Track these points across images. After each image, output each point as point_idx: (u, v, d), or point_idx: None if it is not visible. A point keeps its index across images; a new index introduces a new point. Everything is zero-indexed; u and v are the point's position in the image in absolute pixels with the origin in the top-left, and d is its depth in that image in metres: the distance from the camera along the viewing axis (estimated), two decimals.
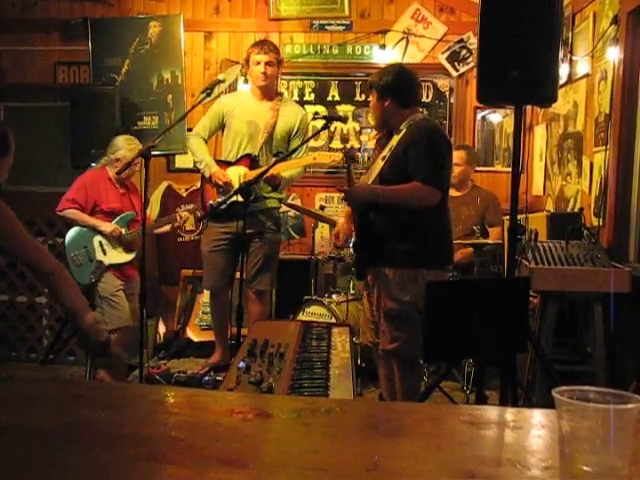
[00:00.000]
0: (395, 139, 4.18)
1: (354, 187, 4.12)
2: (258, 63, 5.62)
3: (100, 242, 5.59)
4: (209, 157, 5.78)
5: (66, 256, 5.54)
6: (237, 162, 5.72)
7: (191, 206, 6.06)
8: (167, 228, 5.91)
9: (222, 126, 5.86)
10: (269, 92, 5.78)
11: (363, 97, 7.15)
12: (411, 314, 4.12)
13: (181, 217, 5.89)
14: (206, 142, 5.88)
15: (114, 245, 5.60)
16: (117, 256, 5.61)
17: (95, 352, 3.00)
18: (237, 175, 5.63)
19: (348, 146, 7.16)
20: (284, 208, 6.44)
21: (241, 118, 5.75)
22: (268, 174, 5.19)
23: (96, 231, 5.58)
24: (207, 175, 5.71)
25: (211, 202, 5.71)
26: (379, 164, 4.20)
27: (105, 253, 5.58)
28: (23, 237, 2.89)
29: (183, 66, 7.16)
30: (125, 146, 5.65)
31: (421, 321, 4.08)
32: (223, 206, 5.15)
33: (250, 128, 5.72)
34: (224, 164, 5.75)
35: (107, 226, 5.56)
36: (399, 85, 4.25)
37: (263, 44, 5.68)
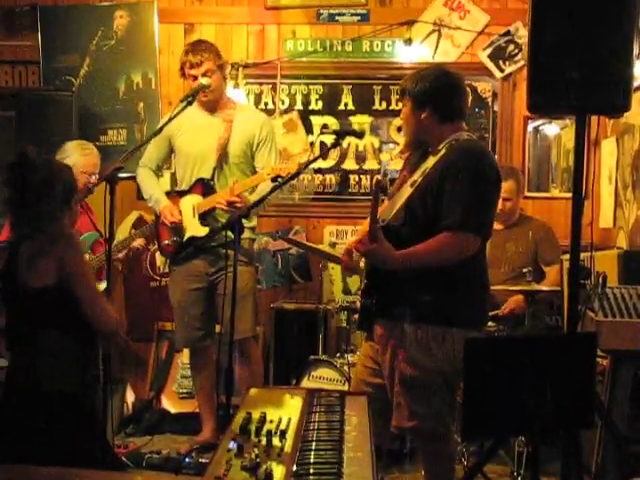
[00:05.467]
0: (431, 161, 4.08)
1: (374, 249, 4.00)
2: (195, 78, 5.71)
3: None
4: (158, 191, 5.93)
5: None
6: (190, 190, 5.85)
7: (143, 228, 6.09)
8: (120, 255, 5.95)
9: (171, 151, 5.99)
10: (217, 103, 5.88)
11: (384, 105, 7.21)
12: (435, 383, 4.04)
13: (135, 245, 6.00)
14: (157, 174, 6.04)
15: None
16: None
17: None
18: (191, 206, 5.78)
19: (365, 167, 7.21)
20: (284, 245, 6.47)
21: (190, 138, 5.87)
22: (222, 201, 5.49)
23: None
24: (158, 212, 5.86)
25: (167, 242, 5.84)
26: (407, 190, 4.12)
27: None
28: (92, 288, 3.73)
29: (158, 67, 7.23)
30: (77, 151, 5.77)
31: (449, 390, 4.07)
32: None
33: (201, 148, 5.83)
34: (177, 195, 5.89)
35: None
36: (441, 93, 4.14)
37: (194, 52, 5.73)
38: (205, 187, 5.77)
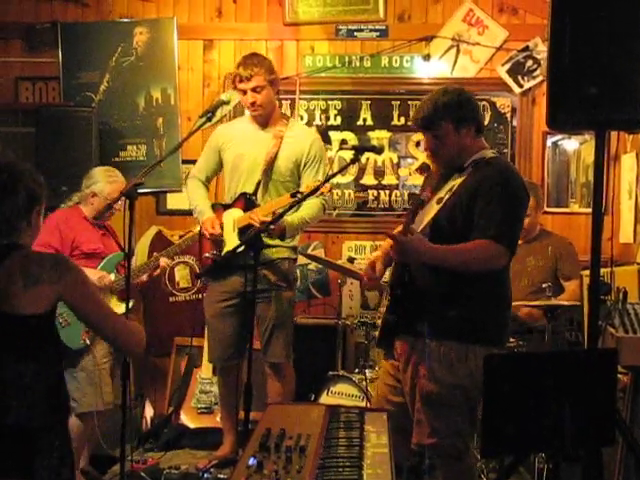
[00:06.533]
0: (458, 179, 4.11)
1: (410, 238, 4.00)
2: (244, 92, 5.70)
3: None
4: (203, 202, 5.90)
5: None
6: (233, 204, 5.81)
7: (174, 245, 6.06)
8: (145, 277, 5.95)
9: (221, 163, 5.95)
10: (268, 118, 5.84)
11: (402, 120, 7.19)
12: (456, 401, 4.04)
13: (160, 265, 5.94)
14: (206, 185, 6.01)
15: (105, 295, 5.59)
16: None
17: None
18: (231, 220, 5.72)
19: (384, 182, 7.20)
20: (303, 260, 6.43)
21: (238, 151, 5.84)
22: (255, 218, 5.38)
23: None
24: (200, 224, 5.83)
25: (207, 255, 5.78)
26: (433, 207, 4.11)
27: None
28: (102, 306, 3.43)
29: (177, 83, 7.25)
30: (104, 178, 5.72)
31: (470, 408, 4.06)
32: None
33: (248, 162, 5.79)
34: (222, 208, 5.85)
35: (91, 273, 5.52)
36: (475, 107, 4.21)
37: (245, 65, 5.69)
38: (247, 202, 5.70)
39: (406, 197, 7.19)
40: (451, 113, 4.10)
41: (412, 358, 4.10)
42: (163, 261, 5.92)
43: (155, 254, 5.98)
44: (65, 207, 5.83)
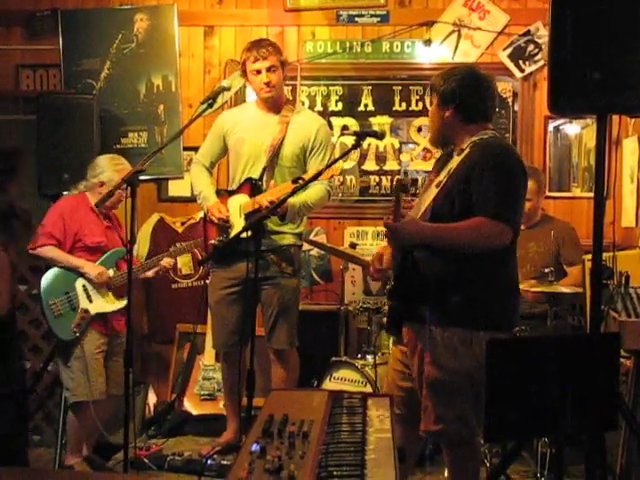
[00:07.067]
0: (455, 161, 4.10)
1: (401, 222, 3.99)
2: (258, 72, 5.68)
3: (84, 286, 5.58)
4: (208, 188, 5.87)
5: (42, 305, 5.53)
6: (238, 190, 5.79)
7: (178, 247, 6.07)
8: (150, 274, 5.97)
9: (226, 148, 5.93)
10: (277, 102, 5.83)
11: (404, 105, 7.18)
12: (461, 387, 4.03)
13: (163, 264, 5.95)
14: (209, 170, 5.99)
15: (101, 290, 5.59)
16: (105, 304, 5.60)
17: None
18: (237, 206, 5.70)
19: (385, 167, 7.19)
20: (305, 246, 6.41)
21: (243, 136, 5.82)
22: (263, 203, 5.37)
23: (79, 273, 5.57)
24: (205, 210, 5.81)
25: (212, 242, 5.74)
26: (433, 191, 4.11)
27: (91, 300, 5.57)
28: None
29: (178, 69, 7.23)
30: (110, 166, 5.70)
31: (475, 394, 4.00)
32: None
33: (253, 147, 5.78)
34: (226, 194, 5.83)
35: (92, 268, 5.55)
36: (466, 94, 4.15)
37: (259, 47, 5.68)
38: (253, 187, 5.69)
39: (409, 181, 7.15)
40: (438, 89, 4.20)
41: (418, 345, 4.10)
42: (165, 261, 5.92)
43: (170, 249, 6.00)
44: (72, 194, 5.80)
